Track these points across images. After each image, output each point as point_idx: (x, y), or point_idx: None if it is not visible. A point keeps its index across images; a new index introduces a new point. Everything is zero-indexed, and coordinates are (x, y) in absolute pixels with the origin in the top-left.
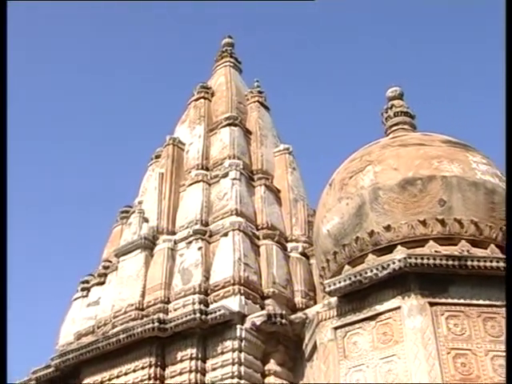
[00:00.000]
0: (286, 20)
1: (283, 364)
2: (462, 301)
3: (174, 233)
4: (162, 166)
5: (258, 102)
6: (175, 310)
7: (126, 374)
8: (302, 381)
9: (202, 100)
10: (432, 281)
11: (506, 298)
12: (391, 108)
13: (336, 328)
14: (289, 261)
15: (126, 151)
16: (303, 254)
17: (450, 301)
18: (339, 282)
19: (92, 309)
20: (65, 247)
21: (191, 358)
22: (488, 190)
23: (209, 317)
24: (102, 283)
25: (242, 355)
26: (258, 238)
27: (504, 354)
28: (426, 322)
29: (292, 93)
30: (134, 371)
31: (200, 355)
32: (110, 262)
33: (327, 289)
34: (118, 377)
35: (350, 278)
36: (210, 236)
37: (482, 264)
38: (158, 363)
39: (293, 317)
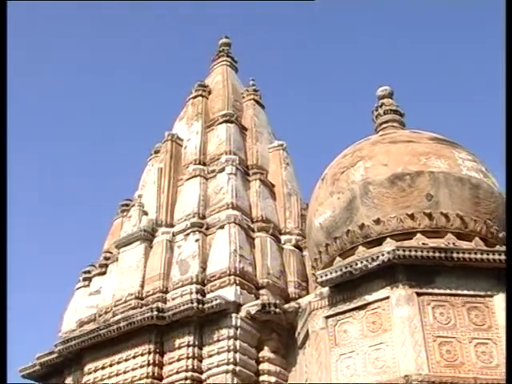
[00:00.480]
0: (279, 20)
1: (277, 351)
2: (447, 291)
3: (172, 225)
4: (161, 161)
5: (254, 99)
6: (173, 299)
7: (126, 360)
8: (294, 367)
9: (200, 98)
10: (419, 272)
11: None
12: (381, 106)
13: (327, 317)
14: (282, 253)
15: (127, 147)
16: (296, 246)
17: (436, 291)
18: (331, 273)
19: (93, 298)
20: (68, 239)
21: (188, 345)
22: (473, 185)
23: (205, 306)
24: (103, 273)
25: (238, 343)
26: (253, 231)
27: (487, 341)
28: (413, 311)
29: (286, 91)
30: (134, 357)
31: (197, 342)
32: (111, 253)
33: (319, 279)
34: (118, 363)
35: (341, 269)
36: (207, 228)
37: (466, 256)
38: (157, 350)
39: (286, 306)
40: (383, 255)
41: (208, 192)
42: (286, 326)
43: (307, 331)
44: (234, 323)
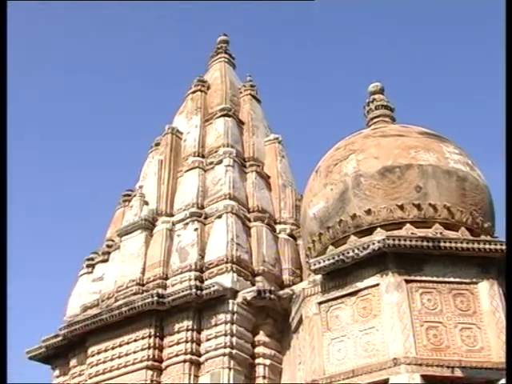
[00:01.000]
0: (275, 19)
1: (271, 335)
2: (435, 278)
3: (172, 215)
4: (162, 154)
5: (251, 95)
6: (173, 285)
7: (127, 343)
8: (288, 351)
9: (199, 93)
10: (408, 260)
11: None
12: (372, 102)
13: (320, 303)
14: (277, 241)
15: (129, 140)
16: (291, 235)
17: (424, 278)
18: (323, 261)
19: (96, 284)
20: (72, 228)
21: (187, 330)
22: (460, 177)
23: (204, 292)
24: (106, 260)
25: (234, 327)
26: (250, 221)
27: (472, 326)
28: (402, 297)
29: (282, 87)
30: (135, 341)
31: (195, 327)
32: (113, 241)
33: (312, 267)
34: (120, 345)
35: (333, 258)
36: (205, 218)
37: (453, 245)
38: (157, 334)
39: (281, 292)
40: (374, 244)
41: (206, 183)
42: (281, 312)
43: (301, 316)
44: (230, 309)
